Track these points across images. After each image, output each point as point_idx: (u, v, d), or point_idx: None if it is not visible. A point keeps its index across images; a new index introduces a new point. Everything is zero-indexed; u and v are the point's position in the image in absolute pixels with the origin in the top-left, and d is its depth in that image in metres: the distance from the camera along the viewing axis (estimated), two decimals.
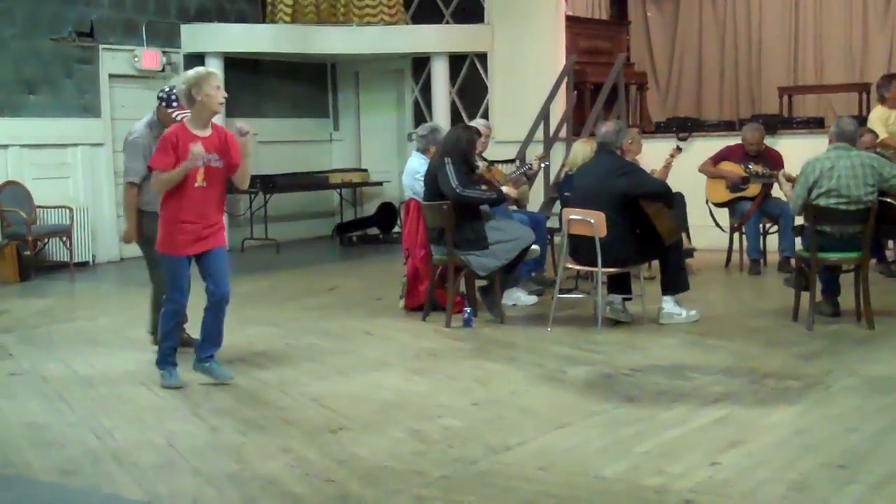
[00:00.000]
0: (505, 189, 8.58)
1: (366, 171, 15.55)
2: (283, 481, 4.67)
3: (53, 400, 6.26)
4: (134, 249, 7.88)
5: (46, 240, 12.33)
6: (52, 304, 10.01)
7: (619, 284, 8.18)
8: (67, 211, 12.25)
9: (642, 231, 7.89)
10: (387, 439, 5.27)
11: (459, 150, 8.23)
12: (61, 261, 12.41)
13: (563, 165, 11.49)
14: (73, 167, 12.79)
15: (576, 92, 13.67)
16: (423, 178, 8.50)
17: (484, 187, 8.35)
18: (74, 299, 10.72)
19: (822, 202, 7.68)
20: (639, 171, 8.25)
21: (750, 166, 10.35)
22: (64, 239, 12.25)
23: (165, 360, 6.48)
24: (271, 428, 5.55)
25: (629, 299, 8.21)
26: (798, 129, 12.48)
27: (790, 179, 8.45)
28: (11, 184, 12.07)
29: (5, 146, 12.15)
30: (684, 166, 10.55)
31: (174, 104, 7.04)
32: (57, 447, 5.30)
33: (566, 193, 8.75)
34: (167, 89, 7.24)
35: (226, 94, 6.40)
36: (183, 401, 6.15)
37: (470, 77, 14.87)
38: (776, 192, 10.27)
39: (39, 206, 12.18)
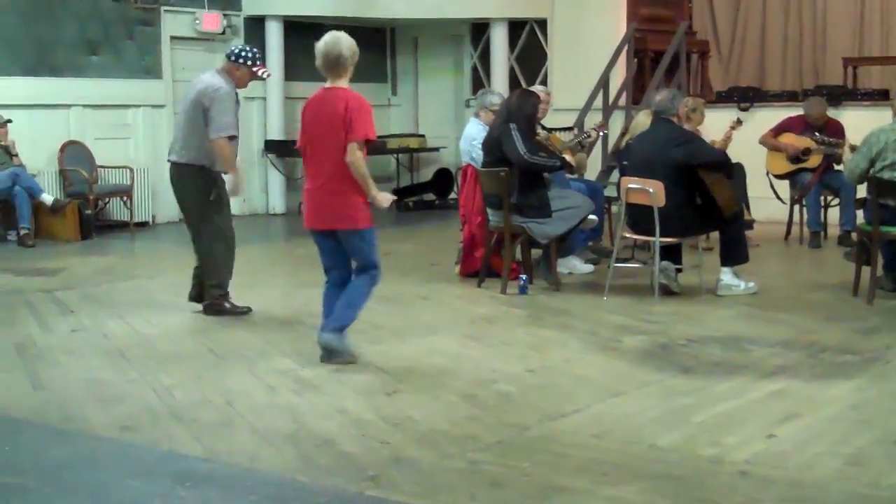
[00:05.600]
0: (566, 157, 8.54)
1: (423, 136, 15.53)
2: (338, 441, 4.72)
3: (114, 357, 6.37)
4: None
5: (107, 199, 12.52)
6: (112, 263, 10.16)
7: (671, 254, 8.13)
8: (128, 171, 12.39)
9: (703, 201, 7.82)
10: (441, 403, 5.30)
11: (525, 115, 8.19)
12: (121, 220, 12.59)
13: (622, 134, 11.41)
14: (134, 128, 12.94)
15: (636, 60, 13.54)
16: (480, 145, 8.48)
17: (543, 154, 8.32)
18: (134, 258, 10.87)
19: (886, 175, 7.57)
20: (697, 141, 8.15)
21: (817, 133, 10.23)
22: (124, 199, 12.42)
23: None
24: (327, 389, 5.59)
25: (680, 270, 8.16)
26: (862, 101, 12.27)
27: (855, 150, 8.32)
28: (74, 143, 12.25)
29: (68, 106, 12.32)
30: (745, 137, 10.42)
31: (258, 61, 7.31)
32: (117, 403, 5.38)
33: (625, 162, 8.69)
34: (241, 47, 7.42)
35: None
36: (241, 361, 6.22)
37: (529, 43, 14.78)
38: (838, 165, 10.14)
39: (101, 166, 12.34)
